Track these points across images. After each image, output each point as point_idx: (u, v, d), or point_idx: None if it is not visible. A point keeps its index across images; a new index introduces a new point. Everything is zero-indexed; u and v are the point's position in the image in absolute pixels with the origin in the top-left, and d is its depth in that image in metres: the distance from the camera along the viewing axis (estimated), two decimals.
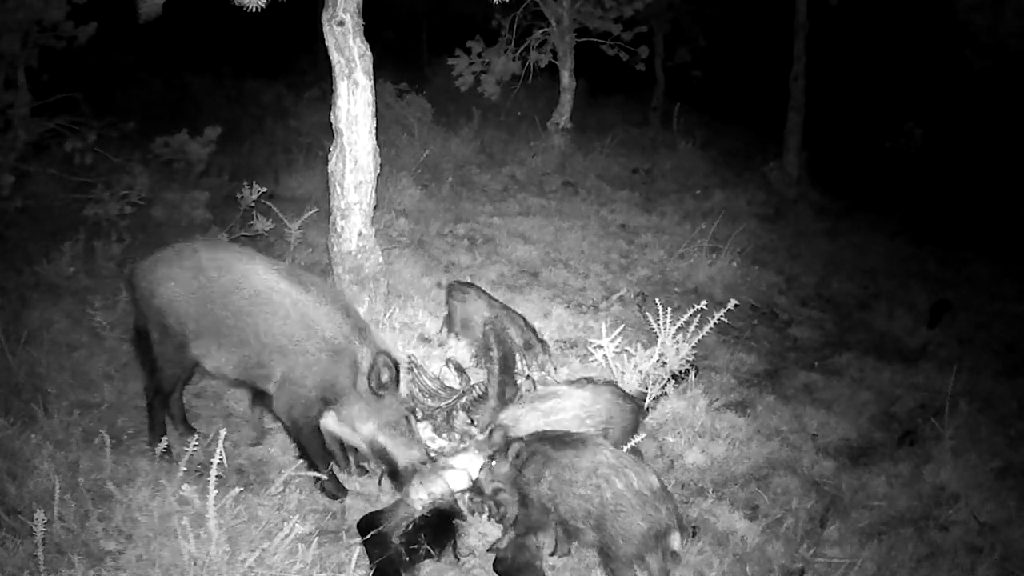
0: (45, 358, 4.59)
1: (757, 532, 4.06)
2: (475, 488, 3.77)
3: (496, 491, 3.71)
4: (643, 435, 4.22)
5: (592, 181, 9.61)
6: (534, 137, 10.35)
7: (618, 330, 4.97)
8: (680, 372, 5.06)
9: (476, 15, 10.46)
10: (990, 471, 4.80)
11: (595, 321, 5.80)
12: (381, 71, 5.41)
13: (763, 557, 3.89)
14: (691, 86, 13.57)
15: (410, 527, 3.62)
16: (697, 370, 5.30)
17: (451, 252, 7.17)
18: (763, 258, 8.08)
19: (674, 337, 4.92)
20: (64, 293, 5.37)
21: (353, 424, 3.96)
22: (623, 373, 4.83)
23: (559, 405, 4.13)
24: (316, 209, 6.10)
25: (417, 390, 4.44)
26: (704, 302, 4.87)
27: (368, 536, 3.57)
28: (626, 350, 4.91)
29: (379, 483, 4.11)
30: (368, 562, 3.50)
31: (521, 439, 3.72)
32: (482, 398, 4.54)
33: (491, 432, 3.96)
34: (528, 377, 4.96)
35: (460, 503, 3.83)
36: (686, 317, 4.88)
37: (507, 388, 4.57)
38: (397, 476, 3.97)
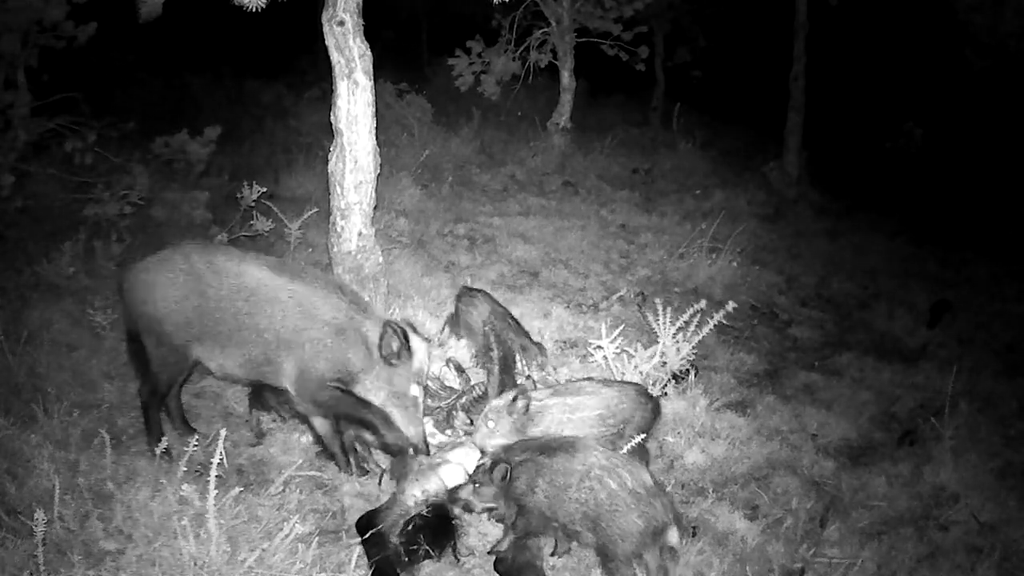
0: (45, 358, 4.58)
1: (757, 532, 4.05)
2: (465, 507, 3.77)
3: (486, 511, 3.74)
4: (644, 435, 4.21)
5: (592, 181, 9.60)
6: (534, 137, 10.34)
7: (618, 330, 4.97)
8: (680, 372, 5.07)
9: (476, 15, 10.46)
10: (990, 471, 4.79)
11: (595, 321, 5.79)
12: (381, 71, 5.41)
13: (763, 557, 3.89)
14: (691, 86, 13.56)
15: (410, 527, 3.61)
16: (697, 370, 5.30)
17: (451, 252, 7.16)
18: (763, 258, 8.06)
19: (674, 337, 4.93)
20: (64, 293, 5.36)
21: (368, 396, 3.95)
22: (623, 374, 4.83)
23: (585, 402, 4.11)
24: (316, 209, 6.10)
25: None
26: (704, 302, 4.89)
27: (366, 536, 3.56)
28: (626, 350, 4.91)
29: (379, 483, 4.11)
30: (367, 561, 3.49)
31: (507, 461, 3.64)
32: (482, 398, 4.55)
33: (493, 467, 3.70)
34: (528, 377, 4.97)
35: (453, 510, 3.80)
36: (686, 317, 4.89)
37: (507, 388, 4.57)
38: (390, 449, 4.01)
